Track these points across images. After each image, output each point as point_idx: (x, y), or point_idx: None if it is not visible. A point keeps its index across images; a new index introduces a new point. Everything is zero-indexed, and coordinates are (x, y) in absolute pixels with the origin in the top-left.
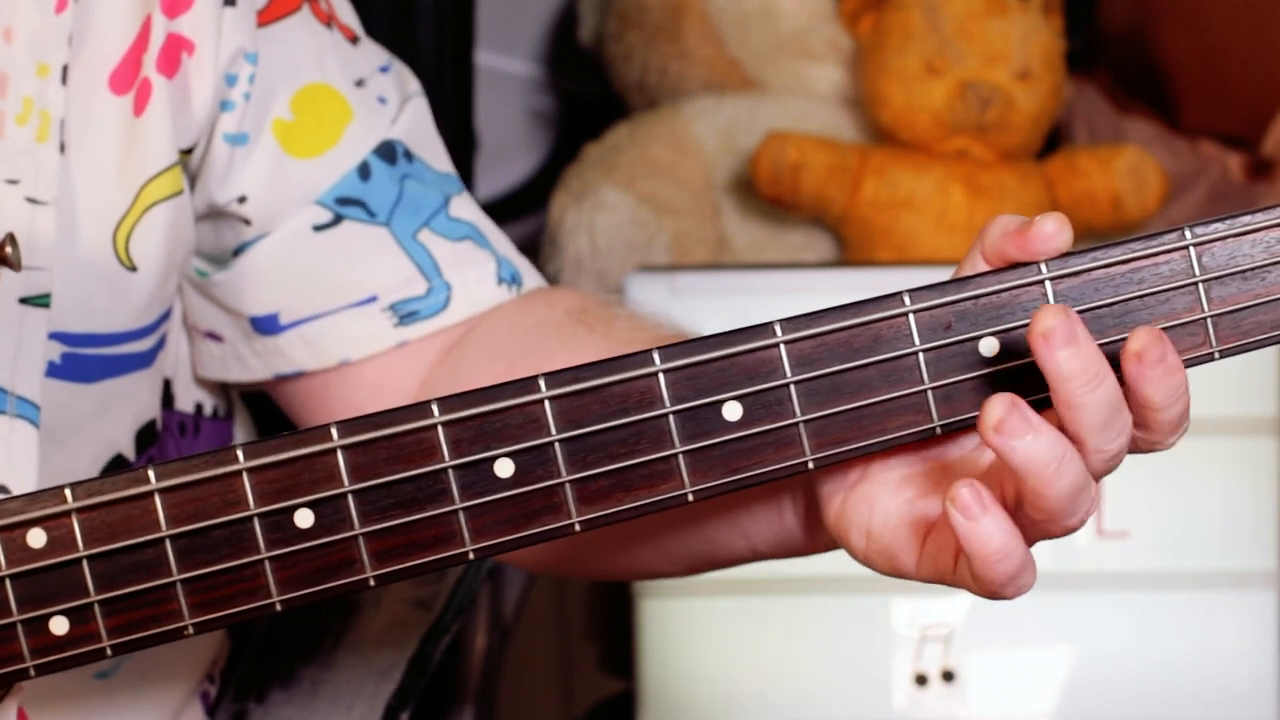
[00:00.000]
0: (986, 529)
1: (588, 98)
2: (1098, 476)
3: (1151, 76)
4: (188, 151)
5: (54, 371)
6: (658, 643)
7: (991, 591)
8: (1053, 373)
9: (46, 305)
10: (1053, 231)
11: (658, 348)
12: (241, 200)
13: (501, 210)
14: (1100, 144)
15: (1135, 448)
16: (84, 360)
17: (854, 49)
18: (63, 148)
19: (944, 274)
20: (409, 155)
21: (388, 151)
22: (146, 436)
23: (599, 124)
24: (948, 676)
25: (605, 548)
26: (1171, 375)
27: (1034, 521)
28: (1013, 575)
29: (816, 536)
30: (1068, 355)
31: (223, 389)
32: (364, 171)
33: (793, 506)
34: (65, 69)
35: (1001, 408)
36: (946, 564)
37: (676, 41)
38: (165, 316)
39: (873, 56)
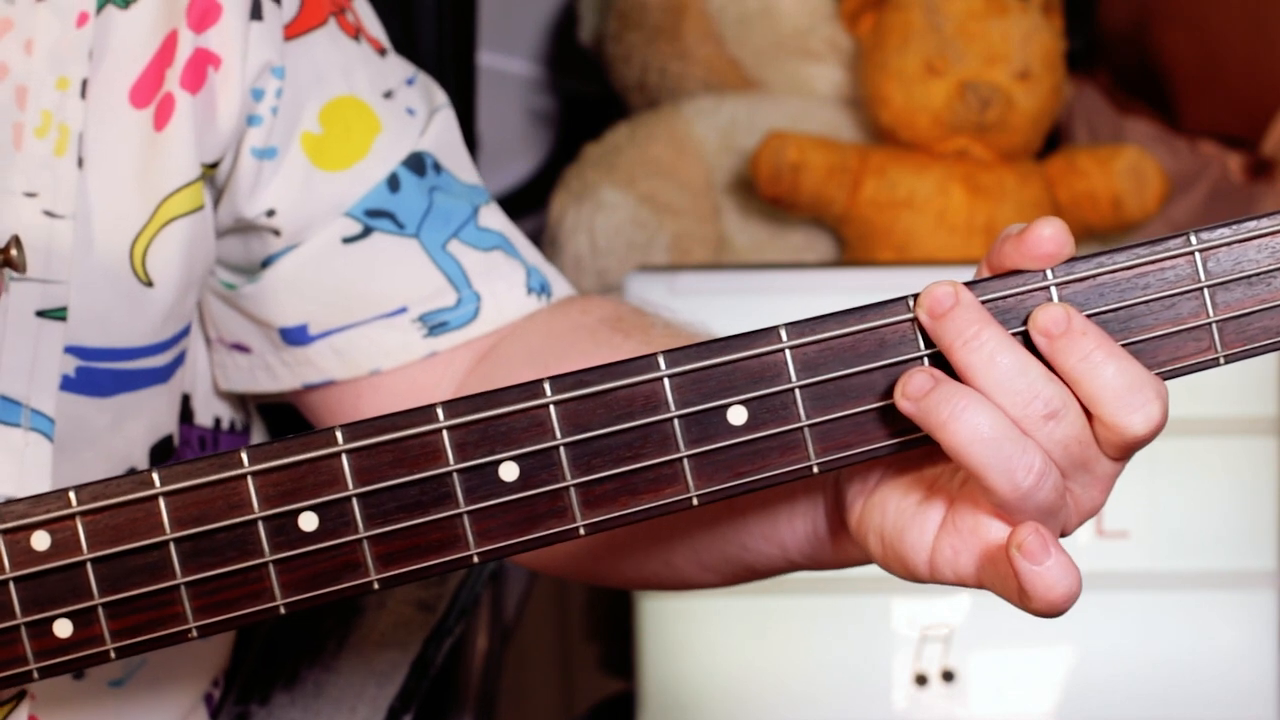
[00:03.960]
0: (1052, 573)
1: (588, 98)
2: (1056, 461)
3: (1151, 76)
4: (212, 166)
5: (68, 385)
6: (658, 643)
7: (1040, 614)
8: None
9: (63, 319)
10: (1050, 235)
11: (663, 352)
12: (270, 214)
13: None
14: (1100, 144)
15: (1108, 440)
16: (99, 374)
17: (854, 49)
18: (81, 161)
19: (945, 274)
20: (438, 167)
21: (417, 163)
22: (162, 451)
23: (599, 124)
24: (948, 676)
25: (636, 552)
26: (1078, 339)
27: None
28: (1069, 605)
29: (843, 545)
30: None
31: (241, 402)
32: (393, 183)
33: (824, 514)
34: (85, 83)
35: (912, 371)
36: (967, 568)
37: (676, 41)
38: (184, 333)
39: (873, 56)
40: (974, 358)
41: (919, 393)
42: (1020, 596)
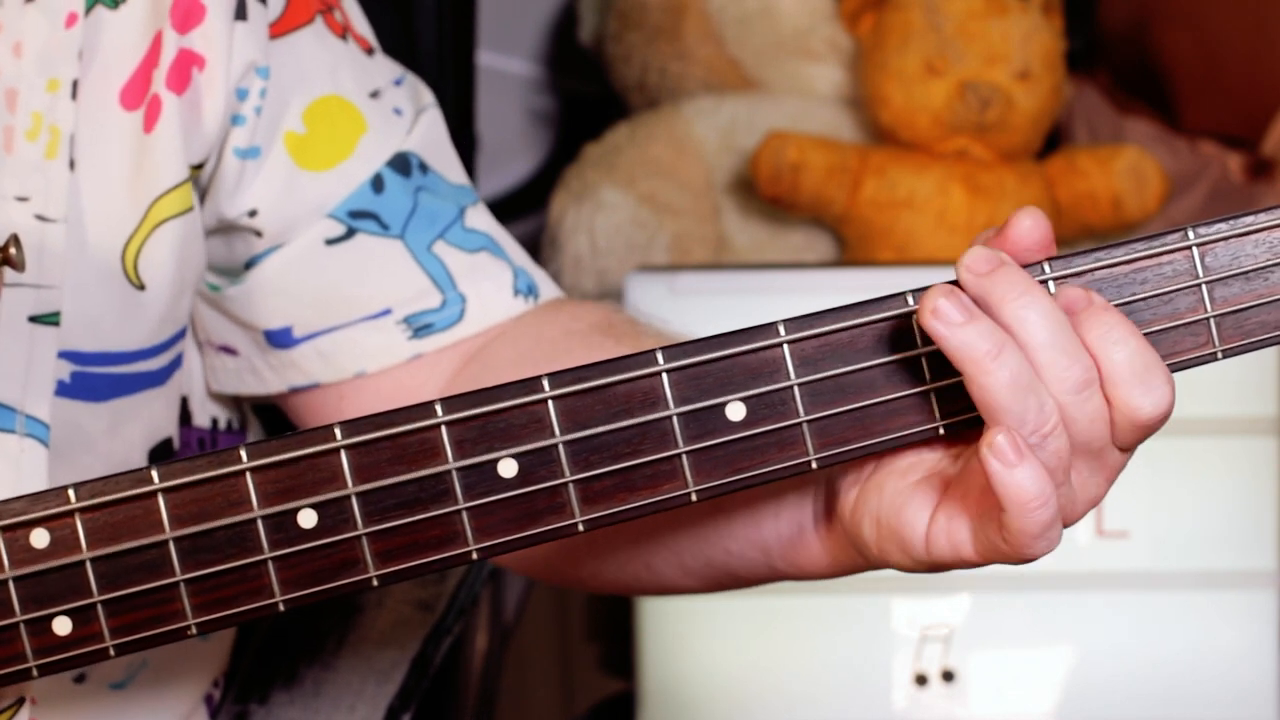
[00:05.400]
0: (1024, 475)
1: (588, 98)
2: (1077, 433)
3: (1151, 76)
4: (198, 167)
5: (63, 390)
6: (658, 643)
7: (1023, 544)
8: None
9: (56, 324)
10: (1031, 224)
11: (661, 348)
12: (252, 214)
13: (501, 210)
14: (1100, 144)
15: (1119, 423)
16: (94, 379)
17: (854, 49)
18: (72, 164)
19: (945, 274)
20: (424, 167)
21: (402, 164)
22: (161, 454)
23: (599, 124)
24: (948, 676)
25: (617, 554)
26: (1100, 314)
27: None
28: (1047, 525)
29: (830, 544)
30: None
31: (236, 402)
32: (377, 184)
33: (811, 512)
34: (75, 84)
35: (940, 292)
36: (960, 534)
37: (676, 41)
38: (179, 335)
39: (873, 56)
40: (1026, 313)
41: (956, 318)
42: (1001, 522)
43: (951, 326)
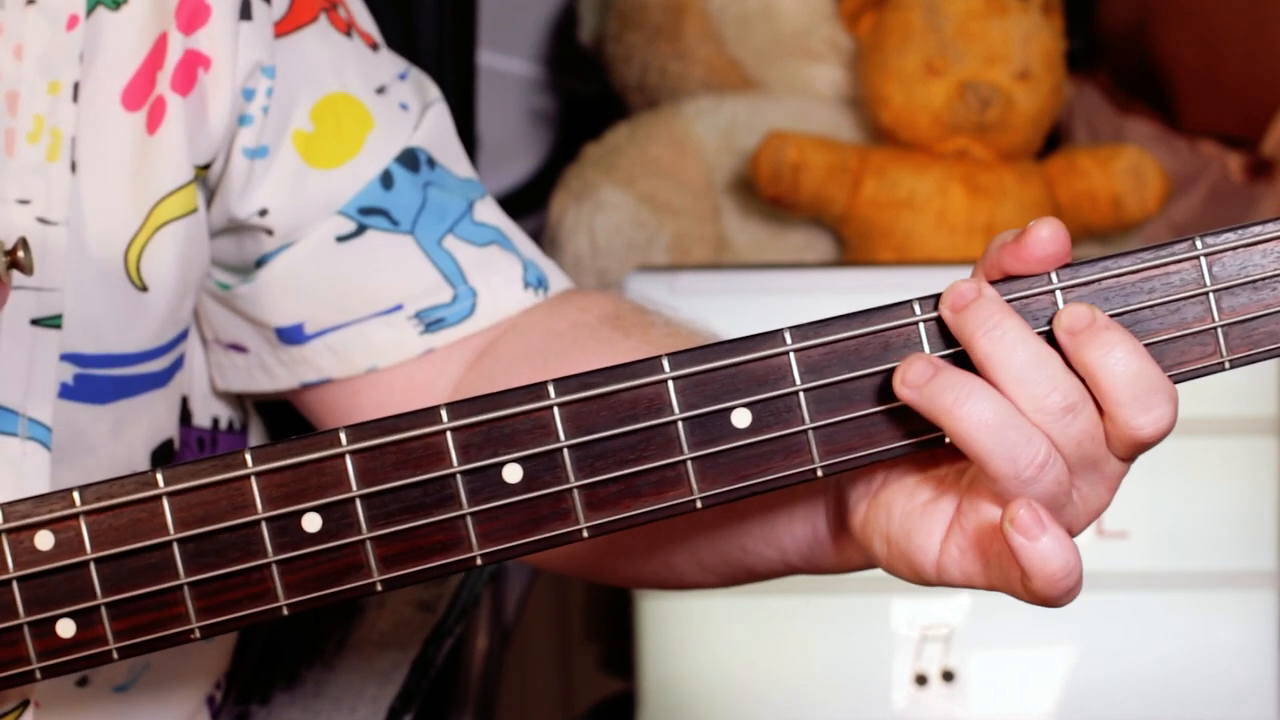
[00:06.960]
0: (1047, 548)
1: (588, 98)
2: (1068, 455)
3: (1151, 76)
4: (204, 167)
5: (66, 393)
6: (658, 643)
7: (1046, 601)
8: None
9: (58, 326)
10: (1049, 235)
11: (667, 354)
12: (263, 213)
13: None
14: (1100, 144)
15: (1117, 438)
16: (97, 381)
17: (854, 49)
18: (74, 166)
19: (945, 274)
20: (431, 162)
21: (410, 159)
22: (163, 455)
23: (599, 124)
24: (948, 676)
25: (636, 553)
26: (1102, 333)
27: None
28: (1071, 588)
29: (844, 550)
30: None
31: (239, 401)
32: (386, 180)
33: (825, 518)
34: (76, 86)
35: (911, 359)
36: (974, 567)
37: (676, 41)
38: (182, 337)
39: (873, 56)
40: (994, 348)
41: (920, 379)
42: (1023, 581)
43: (918, 389)
